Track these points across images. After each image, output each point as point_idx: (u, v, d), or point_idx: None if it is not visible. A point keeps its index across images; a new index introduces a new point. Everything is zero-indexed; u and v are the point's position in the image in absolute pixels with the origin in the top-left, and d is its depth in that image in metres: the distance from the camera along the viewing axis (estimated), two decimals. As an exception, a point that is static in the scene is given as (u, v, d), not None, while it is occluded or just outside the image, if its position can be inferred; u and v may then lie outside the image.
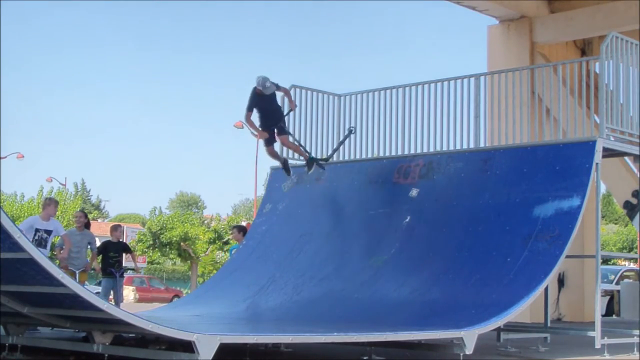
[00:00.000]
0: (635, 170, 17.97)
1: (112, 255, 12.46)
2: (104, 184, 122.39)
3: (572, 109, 11.85)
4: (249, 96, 11.18)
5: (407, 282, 10.90)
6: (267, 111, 11.31)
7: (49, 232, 11.37)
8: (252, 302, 11.58)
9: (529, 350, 10.70)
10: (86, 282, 12.72)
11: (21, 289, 7.50)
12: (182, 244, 44.76)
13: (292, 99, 11.98)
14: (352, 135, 13.27)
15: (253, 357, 8.67)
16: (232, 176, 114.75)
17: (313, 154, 13.48)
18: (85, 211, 15.72)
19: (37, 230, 11.21)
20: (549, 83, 11.96)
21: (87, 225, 12.36)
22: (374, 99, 13.28)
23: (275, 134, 11.54)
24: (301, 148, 12.16)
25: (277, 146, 11.92)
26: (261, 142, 12.18)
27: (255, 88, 11.10)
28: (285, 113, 11.96)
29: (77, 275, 11.67)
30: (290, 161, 13.54)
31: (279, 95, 11.73)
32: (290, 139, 11.86)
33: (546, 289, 10.99)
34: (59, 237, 11.82)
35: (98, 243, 13.09)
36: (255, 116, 11.32)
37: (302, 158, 13.58)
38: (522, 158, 11.04)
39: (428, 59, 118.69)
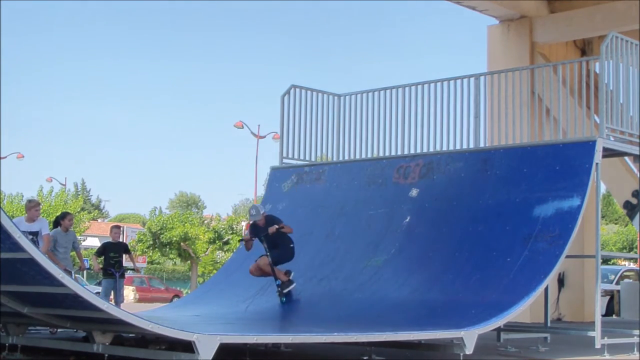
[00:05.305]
0: (635, 170, 17.98)
1: (112, 256, 12.48)
2: (104, 184, 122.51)
3: (572, 109, 11.85)
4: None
5: (407, 282, 10.90)
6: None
7: (34, 234, 11.36)
8: (252, 302, 11.58)
9: (529, 350, 10.70)
10: (86, 282, 12.75)
11: (21, 289, 7.51)
12: (182, 244, 44.76)
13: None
14: (353, 135, 13.38)
15: (253, 357, 8.67)
16: (232, 176, 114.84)
17: (309, 158, 13.53)
18: (85, 211, 15.75)
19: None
20: (549, 83, 11.96)
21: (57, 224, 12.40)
22: (374, 99, 13.29)
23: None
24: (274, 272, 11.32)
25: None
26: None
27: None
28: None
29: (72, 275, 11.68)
30: (290, 161, 13.59)
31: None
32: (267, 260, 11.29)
33: (546, 289, 10.99)
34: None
35: (98, 243, 13.15)
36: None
37: (302, 158, 13.62)
38: (522, 158, 11.04)
39: (428, 59, 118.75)
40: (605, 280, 21.07)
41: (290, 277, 11.41)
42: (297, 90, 13.60)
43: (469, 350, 8.68)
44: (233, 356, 8.34)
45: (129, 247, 13.89)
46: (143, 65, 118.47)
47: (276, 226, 11.17)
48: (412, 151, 12.61)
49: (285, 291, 11.31)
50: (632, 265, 32.04)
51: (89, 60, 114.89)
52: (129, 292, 36.47)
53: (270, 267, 11.23)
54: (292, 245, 11.38)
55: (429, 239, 11.29)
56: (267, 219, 11.40)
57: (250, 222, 11.75)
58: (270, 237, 11.19)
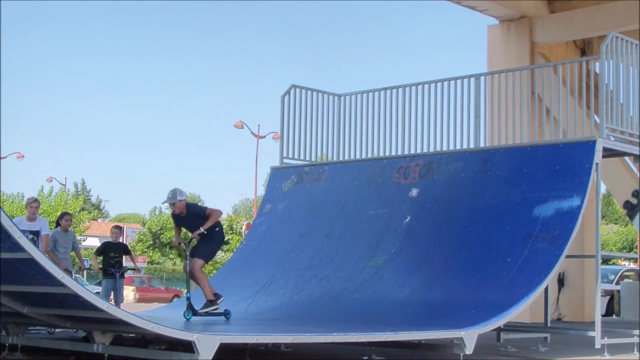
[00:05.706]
0: (635, 170, 17.97)
1: (112, 256, 12.47)
2: (104, 184, 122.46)
3: (572, 109, 11.85)
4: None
5: (407, 282, 10.90)
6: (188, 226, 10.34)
7: (35, 233, 11.34)
8: (252, 302, 11.58)
9: (529, 350, 10.70)
10: (86, 282, 12.74)
11: (21, 289, 7.50)
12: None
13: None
14: (353, 135, 13.39)
15: (253, 357, 8.67)
16: (232, 176, 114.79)
17: (309, 158, 13.50)
18: (85, 211, 15.75)
19: (22, 232, 11.15)
20: (549, 83, 11.95)
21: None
22: (374, 99, 13.29)
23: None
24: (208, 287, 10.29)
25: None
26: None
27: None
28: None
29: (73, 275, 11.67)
30: (290, 161, 13.58)
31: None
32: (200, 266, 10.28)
33: (546, 289, 11.00)
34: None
35: (98, 243, 13.14)
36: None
37: (302, 158, 13.61)
38: (522, 158, 11.04)
39: (428, 59, 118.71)
40: (605, 280, 21.06)
41: (216, 302, 10.15)
42: (297, 90, 13.60)
43: (469, 350, 8.68)
44: (233, 356, 8.34)
45: (129, 248, 13.86)
46: (143, 65, 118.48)
47: (200, 231, 10.01)
48: (412, 151, 12.60)
49: (201, 310, 10.05)
50: (632, 265, 32.04)
51: (90, 60, 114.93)
52: (129, 292, 36.46)
53: (188, 276, 10.30)
54: (217, 229, 10.29)
55: (429, 239, 11.28)
56: (189, 209, 10.23)
57: (170, 209, 10.66)
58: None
